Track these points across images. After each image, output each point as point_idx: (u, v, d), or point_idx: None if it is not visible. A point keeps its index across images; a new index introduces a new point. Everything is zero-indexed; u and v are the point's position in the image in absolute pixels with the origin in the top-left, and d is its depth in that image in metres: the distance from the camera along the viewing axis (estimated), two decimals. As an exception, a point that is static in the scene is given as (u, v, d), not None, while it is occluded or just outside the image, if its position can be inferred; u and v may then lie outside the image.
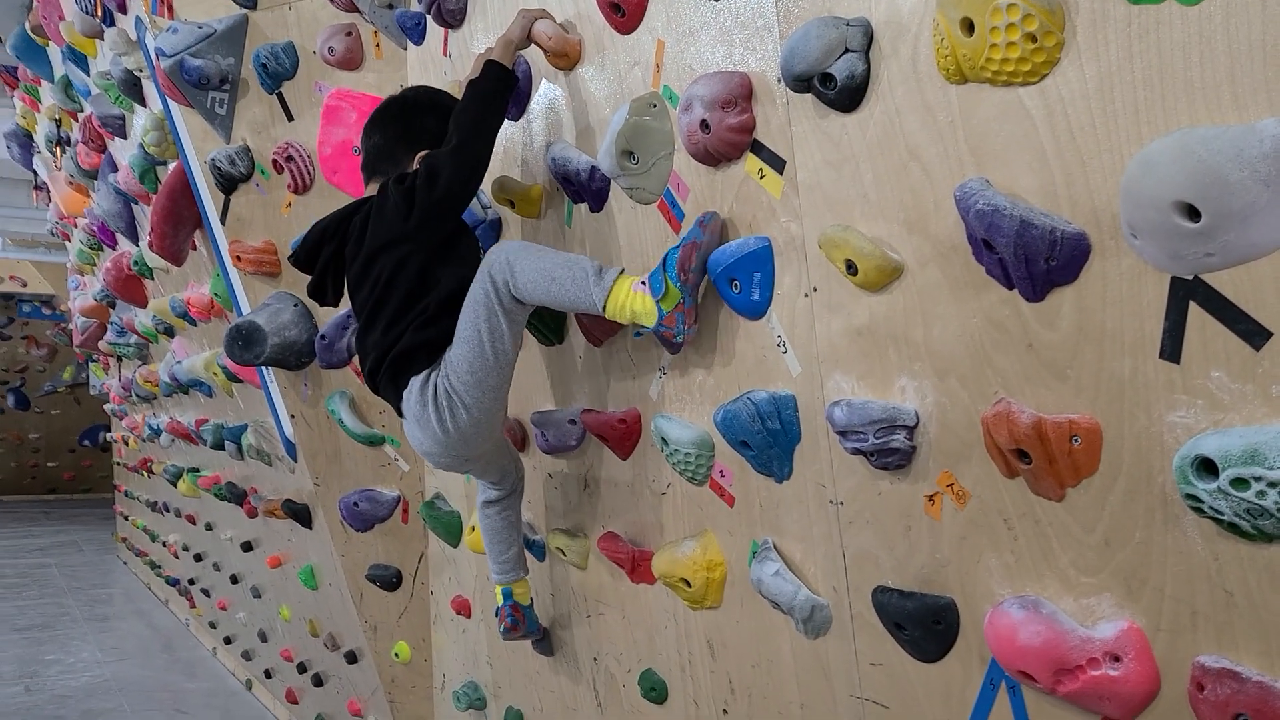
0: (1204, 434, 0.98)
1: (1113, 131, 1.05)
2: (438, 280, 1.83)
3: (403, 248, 1.82)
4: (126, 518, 7.60)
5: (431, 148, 1.88)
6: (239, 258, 2.94)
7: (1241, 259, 0.95)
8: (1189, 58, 0.97)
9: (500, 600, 2.19)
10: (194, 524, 5.06)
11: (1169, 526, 1.05)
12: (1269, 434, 0.92)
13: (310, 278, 2.04)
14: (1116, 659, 1.10)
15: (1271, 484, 0.91)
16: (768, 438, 1.55)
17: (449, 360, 1.80)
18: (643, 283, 1.66)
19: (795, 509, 1.57)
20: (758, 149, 1.54)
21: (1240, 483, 0.92)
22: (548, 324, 2.10)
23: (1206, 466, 0.96)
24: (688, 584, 1.75)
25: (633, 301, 1.66)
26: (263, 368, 3.02)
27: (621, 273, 1.71)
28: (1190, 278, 1.00)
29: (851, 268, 1.37)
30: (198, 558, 5.20)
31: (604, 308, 1.69)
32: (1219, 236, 0.95)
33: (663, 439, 1.77)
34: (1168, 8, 0.99)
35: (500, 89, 1.86)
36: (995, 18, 1.10)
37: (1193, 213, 0.95)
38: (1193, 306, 1.00)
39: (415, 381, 1.82)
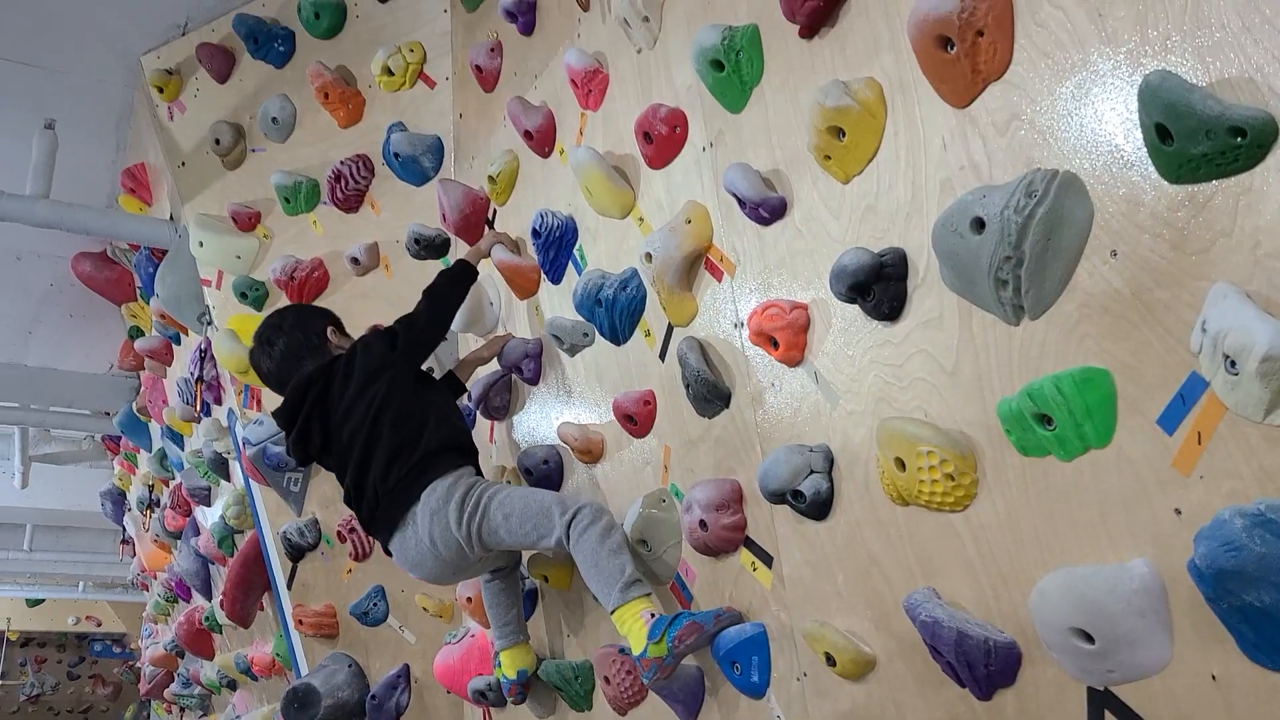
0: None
1: (1023, 556, 1.24)
2: (429, 404, 2.12)
3: (390, 372, 2.10)
4: None
5: (327, 323, 2.27)
6: (301, 621, 3.16)
7: (1137, 676, 1.10)
8: (1070, 502, 1.18)
9: (503, 676, 2.33)
10: None
11: None
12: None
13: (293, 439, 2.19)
14: None
15: None
16: (774, 820, 1.64)
17: (497, 493, 2.02)
18: (651, 614, 1.81)
19: None
20: (750, 544, 1.75)
21: None
22: (576, 691, 2.24)
23: None
24: None
25: (634, 626, 1.81)
26: (316, 727, 3.13)
27: (645, 596, 1.86)
28: (1102, 689, 1.14)
29: (830, 660, 1.52)
30: None
31: (613, 612, 1.86)
32: (1113, 657, 1.10)
33: (681, 817, 1.85)
34: (1050, 460, 1.20)
35: (462, 275, 2.36)
36: (919, 460, 1.33)
37: (1088, 636, 1.12)
38: (1107, 714, 1.14)
39: (441, 482, 2.02)
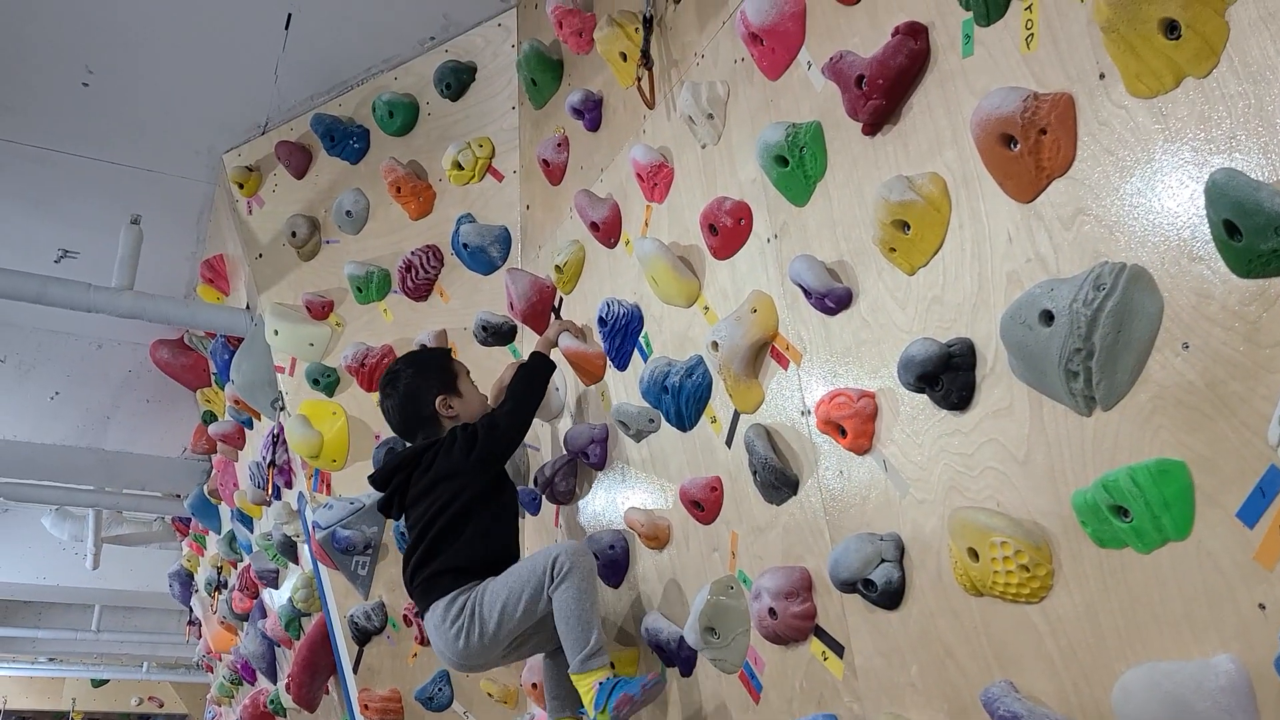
0: None
1: (1104, 649, 1.23)
2: (469, 521, 2.21)
3: (459, 480, 2.23)
4: None
5: (438, 391, 2.39)
6: (367, 706, 3.17)
7: (1229, 777, 1.07)
8: (1150, 596, 1.17)
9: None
10: None
11: None
12: None
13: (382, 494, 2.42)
14: None
15: None
16: None
17: (486, 589, 2.14)
18: (599, 683, 1.99)
19: None
20: (820, 633, 1.74)
21: None
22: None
23: None
24: None
25: (588, 696, 2.00)
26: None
27: (603, 668, 2.03)
28: (1191, 789, 1.12)
29: (907, 755, 1.50)
30: None
31: (572, 674, 2.04)
32: (1204, 758, 1.08)
33: None
34: (1128, 552, 1.20)
35: (540, 370, 2.44)
36: (993, 550, 1.33)
37: (1176, 735, 1.09)
38: (1198, 817, 1.11)
39: (440, 603, 2.15)
